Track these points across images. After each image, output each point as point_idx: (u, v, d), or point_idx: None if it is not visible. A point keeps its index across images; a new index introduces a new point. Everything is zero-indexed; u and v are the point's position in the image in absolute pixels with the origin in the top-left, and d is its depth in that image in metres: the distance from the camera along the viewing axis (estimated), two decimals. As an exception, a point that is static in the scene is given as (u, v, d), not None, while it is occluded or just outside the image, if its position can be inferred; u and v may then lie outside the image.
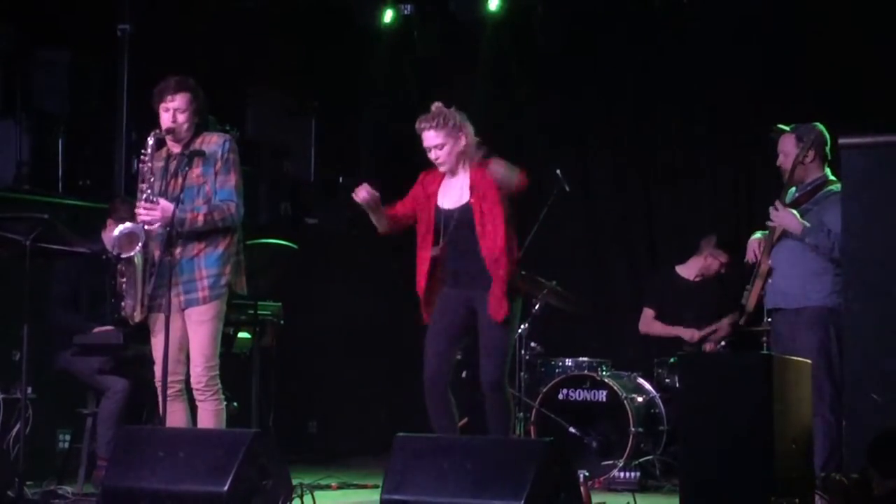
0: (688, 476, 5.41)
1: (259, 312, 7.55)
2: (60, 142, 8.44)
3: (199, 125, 6.05)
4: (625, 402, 7.75)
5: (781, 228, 6.54)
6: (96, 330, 6.96)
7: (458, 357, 6.46)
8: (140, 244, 5.91)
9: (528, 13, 9.62)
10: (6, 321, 6.97)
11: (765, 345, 7.03)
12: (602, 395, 7.86)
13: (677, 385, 7.68)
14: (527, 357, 8.06)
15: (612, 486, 7.43)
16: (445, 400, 6.18)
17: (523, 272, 6.56)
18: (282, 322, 7.89)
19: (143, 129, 6.10)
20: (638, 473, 7.47)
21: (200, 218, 5.88)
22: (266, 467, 5.26)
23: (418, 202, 6.31)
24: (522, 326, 7.78)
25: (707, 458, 5.25)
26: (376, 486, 6.32)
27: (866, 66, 8.46)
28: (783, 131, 6.69)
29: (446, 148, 6.12)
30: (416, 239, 6.35)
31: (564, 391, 7.94)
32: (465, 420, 7.70)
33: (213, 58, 8.88)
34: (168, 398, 5.85)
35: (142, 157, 6.01)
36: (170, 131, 5.97)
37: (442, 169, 6.19)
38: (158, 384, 5.88)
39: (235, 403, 7.47)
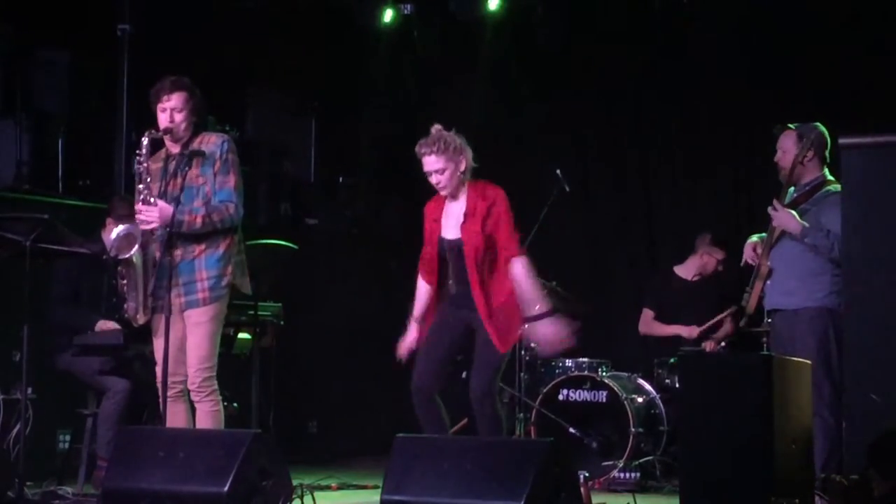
0: (688, 476, 5.41)
1: (259, 313, 7.55)
2: (60, 142, 8.44)
3: (197, 125, 6.05)
4: (625, 402, 7.75)
5: (780, 229, 6.54)
6: (100, 323, 6.95)
7: (458, 358, 6.44)
8: (137, 245, 5.91)
9: (528, 13, 9.62)
10: (6, 321, 6.97)
11: (765, 345, 7.03)
12: (602, 396, 7.86)
13: (677, 385, 7.68)
14: (527, 357, 8.06)
15: (613, 487, 7.43)
16: (432, 409, 6.12)
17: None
18: (282, 322, 7.89)
19: (143, 129, 6.10)
20: (638, 474, 7.48)
21: (199, 220, 5.88)
22: (266, 468, 5.26)
23: (434, 241, 6.25)
24: (523, 327, 7.76)
25: (707, 459, 5.25)
26: (376, 487, 6.32)
27: (866, 66, 8.46)
28: (786, 128, 6.69)
29: (447, 173, 6.08)
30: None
31: (565, 392, 7.94)
32: (464, 421, 7.71)
33: (213, 58, 8.89)
34: (169, 399, 5.85)
35: (137, 157, 6.01)
36: (167, 131, 5.96)
37: (443, 193, 6.17)
38: (159, 385, 5.88)
39: (235, 404, 7.49)
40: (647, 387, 8.11)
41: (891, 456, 5.45)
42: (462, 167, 6.10)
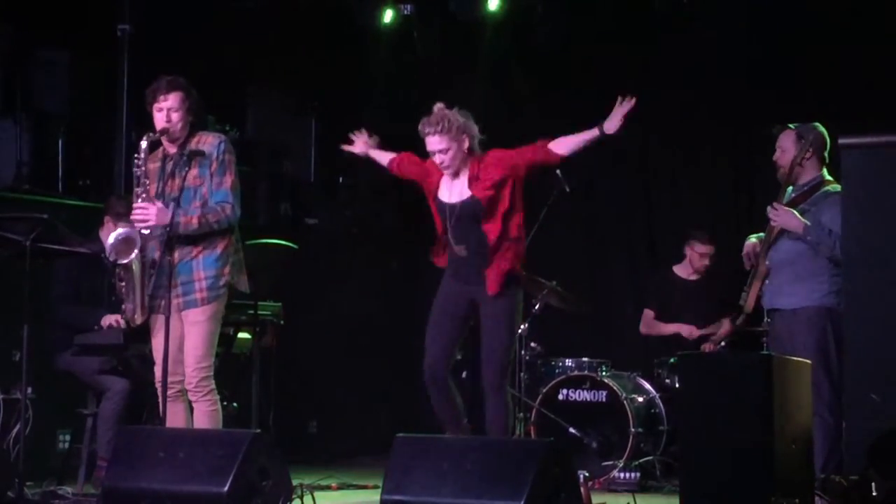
0: (688, 476, 5.41)
1: (259, 312, 7.54)
2: (60, 142, 8.43)
3: (194, 124, 6.04)
4: (625, 402, 7.75)
5: (779, 229, 6.54)
6: (105, 318, 6.94)
7: (459, 357, 6.46)
8: (137, 250, 5.91)
9: (528, 13, 9.61)
10: (6, 321, 6.97)
11: (765, 345, 7.03)
12: (602, 396, 7.86)
13: (677, 385, 7.68)
14: (527, 357, 8.05)
15: (613, 487, 7.43)
16: (447, 388, 6.18)
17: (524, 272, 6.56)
18: (282, 322, 7.88)
19: (142, 129, 6.10)
20: (638, 474, 7.48)
21: (195, 221, 5.88)
22: (266, 468, 5.26)
23: (422, 172, 6.33)
24: (522, 326, 7.77)
25: (707, 459, 5.25)
26: (376, 487, 6.32)
27: (866, 66, 8.46)
28: (785, 128, 6.69)
29: (451, 152, 6.10)
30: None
31: (564, 391, 7.95)
32: (464, 421, 7.71)
33: (213, 58, 8.89)
34: (168, 399, 5.86)
35: (135, 161, 6.00)
36: (164, 132, 5.96)
37: (446, 172, 6.18)
38: (158, 385, 5.88)
39: (235, 404, 7.48)
40: (647, 386, 8.11)
41: (891, 456, 5.45)
42: (465, 145, 6.11)
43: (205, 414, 5.94)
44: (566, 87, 9.73)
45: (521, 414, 7.92)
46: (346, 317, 9.71)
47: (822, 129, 6.64)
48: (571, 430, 7.76)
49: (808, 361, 5.84)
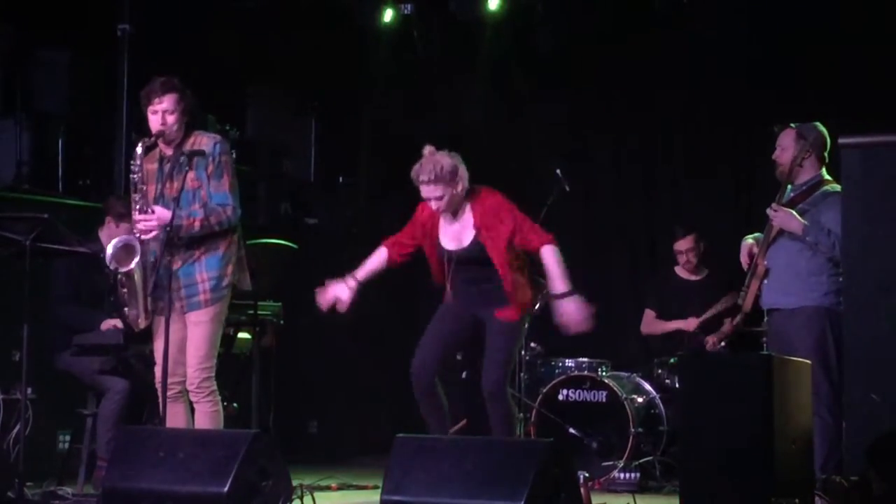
0: (688, 477, 5.41)
1: (259, 312, 7.54)
2: (60, 142, 8.43)
3: (189, 125, 6.03)
4: (625, 402, 7.75)
5: (777, 228, 6.54)
6: (104, 323, 6.94)
7: (459, 357, 6.46)
8: (137, 257, 5.90)
9: (528, 13, 9.61)
10: (6, 321, 6.96)
11: (764, 345, 7.03)
12: (602, 396, 7.86)
13: (677, 385, 7.68)
14: (527, 357, 8.06)
15: (612, 487, 7.42)
16: (432, 394, 6.17)
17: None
18: (282, 322, 7.88)
19: (143, 129, 6.09)
20: (638, 474, 7.47)
21: (197, 223, 5.87)
22: (266, 468, 5.26)
23: (418, 237, 6.32)
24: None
25: (707, 459, 5.25)
26: (376, 487, 6.32)
27: (866, 66, 8.45)
28: (786, 127, 6.69)
29: (446, 198, 6.10)
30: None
31: (564, 392, 7.94)
32: (464, 421, 7.72)
33: (213, 58, 8.88)
34: (169, 399, 5.85)
35: (132, 167, 5.98)
36: (160, 135, 5.93)
37: (443, 217, 6.19)
38: (159, 385, 5.88)
39: (235, 404, 7.48)
40: (647, 387, 8.10)
41: (891, 456, 5.45)
42: (459, 188, 6.10)
43: (206, 415, 5.93)
44: (566, 87, 9.74)
45: (521, 414, 7.91)
46: (346, 317, 9.68)
47: (822, 128, 6.65)
48: (571, 430, 7.76)
49: (808, 362, 5.84)
